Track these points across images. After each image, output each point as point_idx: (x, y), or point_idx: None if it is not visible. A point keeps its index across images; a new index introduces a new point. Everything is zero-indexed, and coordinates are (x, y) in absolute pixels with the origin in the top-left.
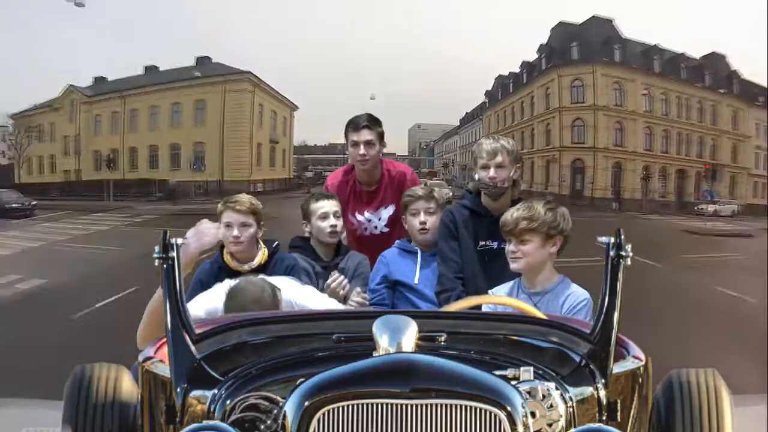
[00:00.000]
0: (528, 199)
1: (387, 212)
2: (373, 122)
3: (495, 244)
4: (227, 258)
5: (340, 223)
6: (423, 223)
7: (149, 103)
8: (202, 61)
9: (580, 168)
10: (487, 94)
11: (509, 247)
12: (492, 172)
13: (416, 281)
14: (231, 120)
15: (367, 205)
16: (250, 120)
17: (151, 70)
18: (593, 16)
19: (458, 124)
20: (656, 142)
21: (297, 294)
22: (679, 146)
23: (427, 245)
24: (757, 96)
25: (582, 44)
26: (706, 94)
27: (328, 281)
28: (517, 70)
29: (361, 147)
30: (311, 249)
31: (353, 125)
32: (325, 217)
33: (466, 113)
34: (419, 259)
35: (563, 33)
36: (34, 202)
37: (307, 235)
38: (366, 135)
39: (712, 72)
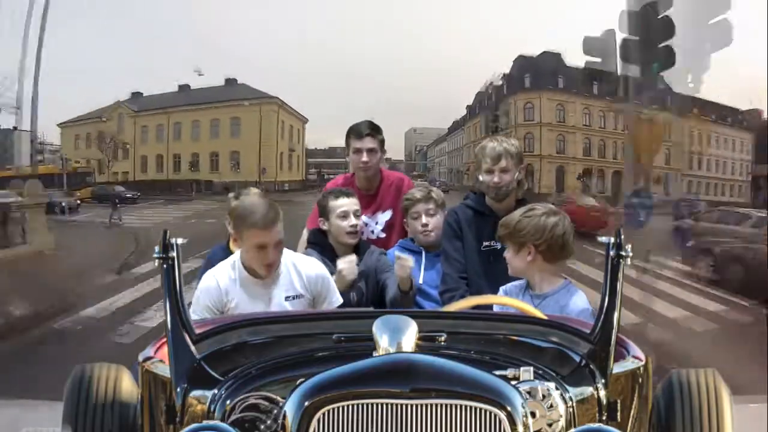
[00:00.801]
0: (532, 202)
1: (384, 217)
2: (375, 130)
3: (498, 245)
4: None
5: (360, 222)
6: (425, 225)
7: (191, 118)
8: (231, 82)
9: (531, 171)
10: (468, 108)
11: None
12: (496, 177)
13: (420, 281)
14: (264, 134)
15: (364, 209)
16: (276, 134)
17: (184, 88)
18: (545, 51)
19: (447, 131)
20: (594, 150)
21: (298, 259)
22: (615, 152)
23: (431, 246)
24: (691, 108)
25: (533, 74)
26: (640, 110)
27: (339, 265)
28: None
29: (364, 154)
30: (330, 247)
31: (356, 133)
32: (345, 216)
33: (454, 121)
34: (423, 259)
35: (521, 65)
36: (138, 194)
37: (324, 228)
38: (369, 143)
39: (650, 89)
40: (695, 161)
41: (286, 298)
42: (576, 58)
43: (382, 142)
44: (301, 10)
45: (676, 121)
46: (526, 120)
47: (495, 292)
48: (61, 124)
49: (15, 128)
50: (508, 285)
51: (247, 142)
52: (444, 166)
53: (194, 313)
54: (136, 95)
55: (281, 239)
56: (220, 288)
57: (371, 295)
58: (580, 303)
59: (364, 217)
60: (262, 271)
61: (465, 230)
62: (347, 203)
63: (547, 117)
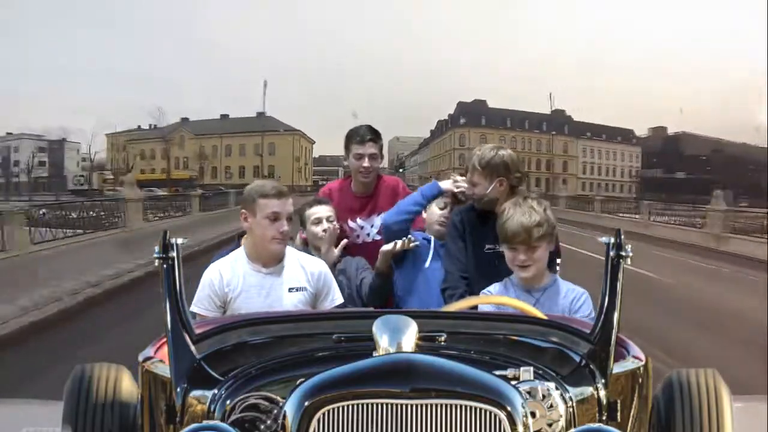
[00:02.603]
0: (516, 199)
1: (380, 220)
2: (376, 135)
3: (500, 249)
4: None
5: (332, 226)
6: (447, 218)
7: (239, 142)
8: (260, 115)
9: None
10: (431, 132)
11: (518, 256)
12: (469, 189)
13: (427, 265)
14: (293, 155)
15: (359, 212)
16: (299, 154)
17: (224, 116)
18: (475, 99)
19: (417, 147)
20: None
21: (302, 256)
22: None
23: (442, 236)
24: (585, 131)
25: (466, 115)
26: (541, 136)
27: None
28: (443, 118)
29: (366, 160)
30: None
31: (358, 138)
32: (318, 222)
33: (424, 138)
34: (432, 245)
35: (460, 108)
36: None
37: (304, 236)
38: (370, 148)
39: (552, 120)
40: (587, 168)
41: (290, 290)
42: (498, 102)
43: (381, 148)
44: (290, 33)
45: (571, 141)
46: (460, 145)
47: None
48: (108, 134)
49: (64, 140)
50: (486, 289)
51: (280, 159)
52: (416, 173)
53: (196, 305)
54: (185, 120)
55: (291, 215)
56: (222, 279)
57: (353, 291)
58: (578, 288)
59: (359, 220)
60: (274, 245)
61: (468, 232)
62: (320, 210)
63: (473, 144)
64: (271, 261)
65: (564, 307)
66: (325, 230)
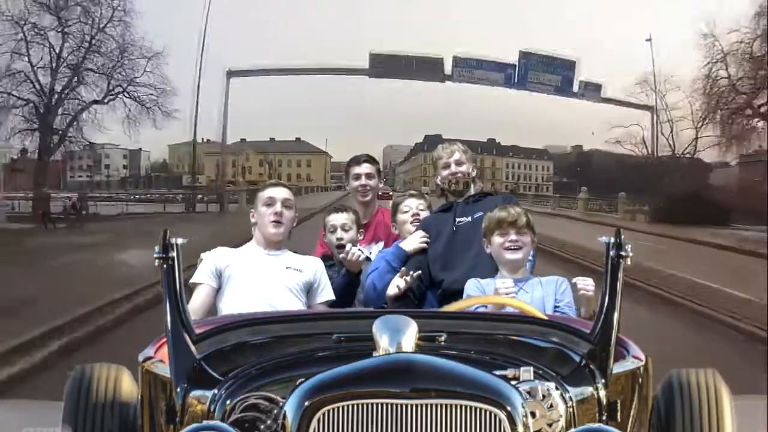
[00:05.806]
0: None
1: (377, 248)
2: (371, 159)
3: (470, 218)
4: None
5: (347, 235)
6: (416, 214)
7: (287, 158)
8: (298, 139)
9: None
10: (410, 150)
11: (510, 237)
12: (453, 167)
13: None
14: (324, 169)
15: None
16: (326, 168)
17: (272, 139)
18: (437, 134)
19: (402, 159)
20: None
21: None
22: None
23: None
24: (509, 152)
25: (427, 144)
26: (476, 156)
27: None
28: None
29: (363, 178)
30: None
31: (355, 161)
32: (333, 230)
33: (409, 151)
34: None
35: (425, 139)
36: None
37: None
38: (366, 168)
39: (485, 145)
40: (510, 175)
41: (287, 268)
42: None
43: (378, 171)
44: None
45: (497, 159)
46: (424, 162)
47: (471, 262)
48: (171, 144)
49: (140, 149)
50: (481, 281)
51: (313, 170)
52: (401, 179)
53: (195, 278)
54: (243, 140)
55: (290, 202)
56: (223, 253)
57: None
58: (555, 276)
59: (358, 247)
60: (271, 228)
61: (434, 227)
62: (336, 218)
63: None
64: (272, 245)
65: (548, 291)
66: (340, 238)
